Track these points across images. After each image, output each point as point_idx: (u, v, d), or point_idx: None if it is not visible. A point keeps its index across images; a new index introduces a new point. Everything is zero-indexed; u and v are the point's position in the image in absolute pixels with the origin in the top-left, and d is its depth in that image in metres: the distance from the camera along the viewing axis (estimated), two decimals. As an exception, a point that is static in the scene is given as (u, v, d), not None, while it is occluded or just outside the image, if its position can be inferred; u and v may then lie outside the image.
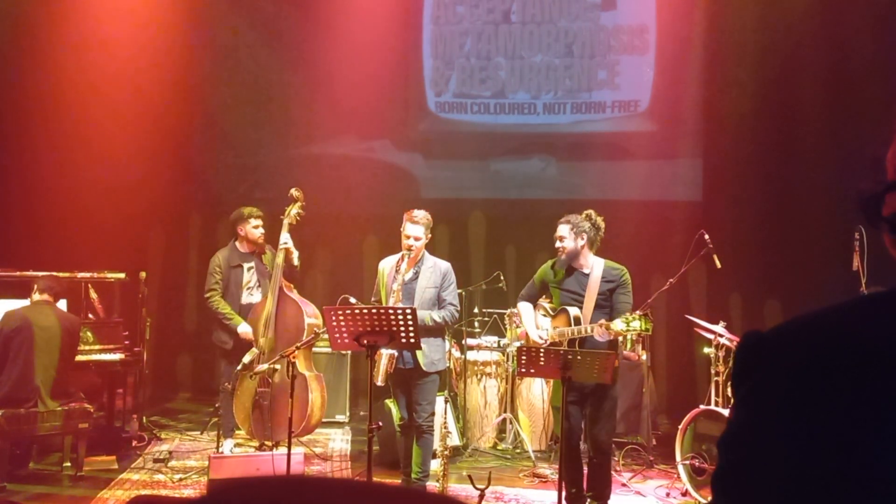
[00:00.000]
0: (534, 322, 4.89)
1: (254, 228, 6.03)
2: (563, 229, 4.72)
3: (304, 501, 0.51)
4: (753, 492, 0.79)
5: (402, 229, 4.94)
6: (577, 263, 4.74)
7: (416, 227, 4.88)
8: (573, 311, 4.66)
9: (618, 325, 4.40)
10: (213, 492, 0.56)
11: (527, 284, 5.06)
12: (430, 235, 4.99)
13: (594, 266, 4.71)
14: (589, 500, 4.79)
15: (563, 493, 4.79)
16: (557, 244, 4.74)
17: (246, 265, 6.07)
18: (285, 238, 5.76)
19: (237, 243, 6.10)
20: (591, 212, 4.80)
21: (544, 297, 5.09)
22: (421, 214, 4.92)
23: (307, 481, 0.55)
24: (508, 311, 6.71)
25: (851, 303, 0.86)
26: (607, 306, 4.69)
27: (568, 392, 4.63)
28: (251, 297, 6.04)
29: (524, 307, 4.98)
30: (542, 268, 4.97)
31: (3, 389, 5.17)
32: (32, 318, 5.29)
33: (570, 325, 4.62)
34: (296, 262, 5.83)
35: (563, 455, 4.69)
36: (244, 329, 5.80)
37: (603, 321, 4.50)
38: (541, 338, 4.77)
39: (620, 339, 4.82)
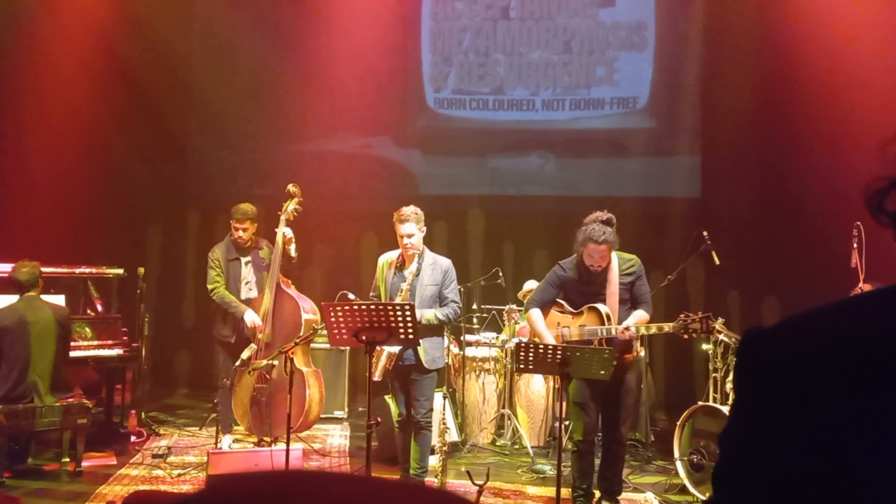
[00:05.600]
0: (546, 329, 4.75)
1: (234, 230, 5.99)
2: (605, 249, 4.54)
3: (302, 495, 0.51)
4: (754, 488, 0.79)
5: (396, 231, 4.93)
6: None
7: (407, 225, 4.86)
8: (604, 308, 4.59)
9: (673, 326, 4.48)
10: (211, 486, 0.56)
11: (539, 289, 4.93)
12: (424, 228, 4.96)
13: (611, 260, 4.68)
14: (600, 496, 4.79)
15: (574, 492, 4.80)
16: (598, 264, 4.57)
17: (243, 259, 6.06)
18: (286, 229, 5.75)
19: (233, 238, 6.09)
20: (611, 216, 4.66)
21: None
22: (409, 211, 4.89)
23: (305, 475, 0.55)
24: (507, 308, 6.72)
25: (855, 299, 0.86)
26: (628, 299, 4.68)
27: (590, 387, 4.64)
28: (250, 292, 6.03)
29: (536, 315, 4.81)
30: (552, 273, 4.84)
31: (2, 389, 5.16)
32: (25, 313, 5.27)
33: (602, 324, 4.57)
34: (293, 253, 5.82)
35: (577, 453, 4.72)
36: (251, 317, 5.77)
37: (637, 315, 4.56)
38: (562, 336, 4.71)
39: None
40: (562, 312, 4.82)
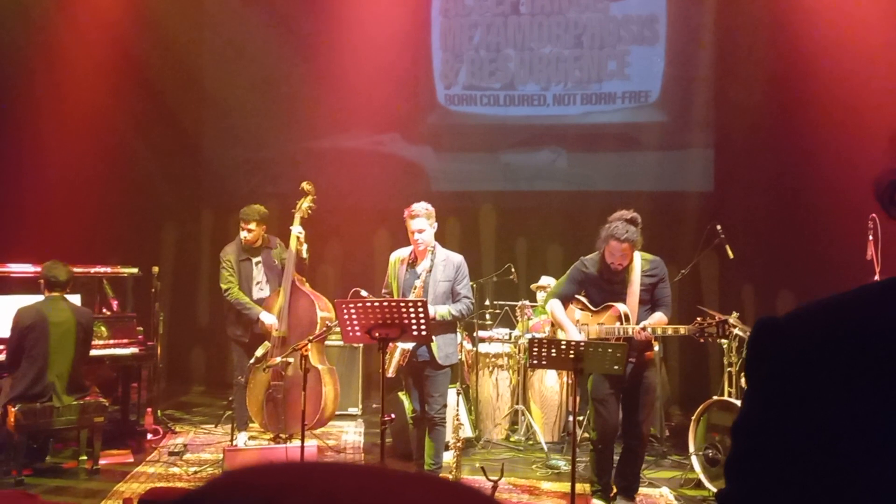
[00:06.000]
0: (573, 325, 4.73)
1: (241, 230, 6.01)
2: (627, 248, 4.50)
3: (313, 485, 0.52)
4: (766, 476, 0.79)
5: (407, 228, 4.93)
6: None
7: (417, 221, 4.86)
8: (622, 307, 4.58)
9: (689, 329, 4.46)
10: (224, 476, 0.56)
11: (560, 283, 4.92)
12: (435, 224, 4.96)
13: (633, 260, 4.64)
14: (616, 492, 4.79)
15: (592, 486, 4.81)
16: (619, 262, 4.55)
17: (254, 259, 6.08)
18: (297, 229, 5.77)
19: (241, 238, 6.10)
20: (636, 216, 4.61)
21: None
22: (419, 207, 4.88)
23: (318, 466, 0.56)
24: (520, 303, 6.71)
25: (865, 289, 0.86)
26: (648, 301, 4.65)
27: (610, 384, 4.63)
28: (261, 292, 6.05)
29: (557, 306, 4.80)
30: (574, 269, 4.82)
31: (20, 387, 5.21)
32: (47, 314, 5.31)
33: (620, 323, 4.55)
34: (304, 254, 5.84)
35: (596, 449, 4.71)
36: (267, 317, 5.80)
37: (656, 317, 4.54)
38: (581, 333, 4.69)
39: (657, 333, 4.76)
40: (582, 310, 4.79)
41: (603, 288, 4.70)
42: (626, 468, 4.78)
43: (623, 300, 4.62)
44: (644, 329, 4.48)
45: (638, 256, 4.65)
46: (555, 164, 8.43)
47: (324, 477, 0.54)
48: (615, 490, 4.82)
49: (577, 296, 4.84)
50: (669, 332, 4.60)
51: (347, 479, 0.53)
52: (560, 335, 4.76)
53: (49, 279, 5.40)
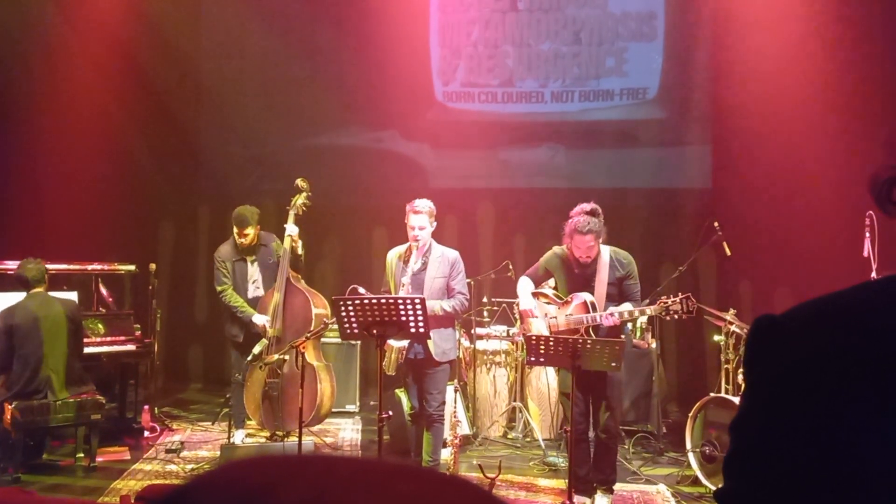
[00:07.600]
0: (529, 295, 4.87)
1: (236, 235, 6.01)
2: (591, 239, 4.56)
3: (305, 479, 0.51)
4: (764, 475, 0.78)
5: (406, 221, 4.93)
6: None
7: (419, 217, 4.86)
8: (588, 297, 4.63)
9: (655, 309, 4.49)
10: (214, 471, 0.55)
11: (534, 266, 5.01)
12: (435, 223, 4.97)
13: (601, 253, 4.70)
14: (595, 485, 4.80)
15: (571, 478, 4.83)
16: (586, 255, 4.61)
17: (249, 259, 6.07)
18: (291, 228, 5.77)
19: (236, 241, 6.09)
20: (595, 207, 4.70)
21: (546, 284, 5.05)
22: (423, 204, 4.89)
23: (310, 460, 0.55)
24: (517, 301, 6.70)
25: (865, 286, 0.85)
26: (616, 295, 4.68)
27: (575, 377, 4.66)
28: (257, 290, 6.04)
29: (524, 281, 4.94)
30: (547, 255, 4.91)
31: (17, 386, 5.19)
32: (35, 310, 5.29)
33: (587, 312, 4.60)
34: (300, 250, 5.84)
35: (570, 441, 4.72)
36: (259, 319, 5.80)
37: (625, 306, 4.55)
38: (536, 309, 4.76)
39: (629, 325, 4.82)
40: (548, 303, 4.84)
41: (571, 279, 4.75)
42: (601, 462, 4.82)
43: (591, 292, 4.66)
44: (612, 314, 4.50)
45: (607, 251, 4.70)
46: (553, 160, 8.42)
47: (315, 470, 0.53)
48: (594, 484, 4.84)
49: (543, 290, 4.91)
50: (636, 314, 4.66)
51: (340, 472, 0.52)
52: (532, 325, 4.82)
53: (18, 277, 5.35)
